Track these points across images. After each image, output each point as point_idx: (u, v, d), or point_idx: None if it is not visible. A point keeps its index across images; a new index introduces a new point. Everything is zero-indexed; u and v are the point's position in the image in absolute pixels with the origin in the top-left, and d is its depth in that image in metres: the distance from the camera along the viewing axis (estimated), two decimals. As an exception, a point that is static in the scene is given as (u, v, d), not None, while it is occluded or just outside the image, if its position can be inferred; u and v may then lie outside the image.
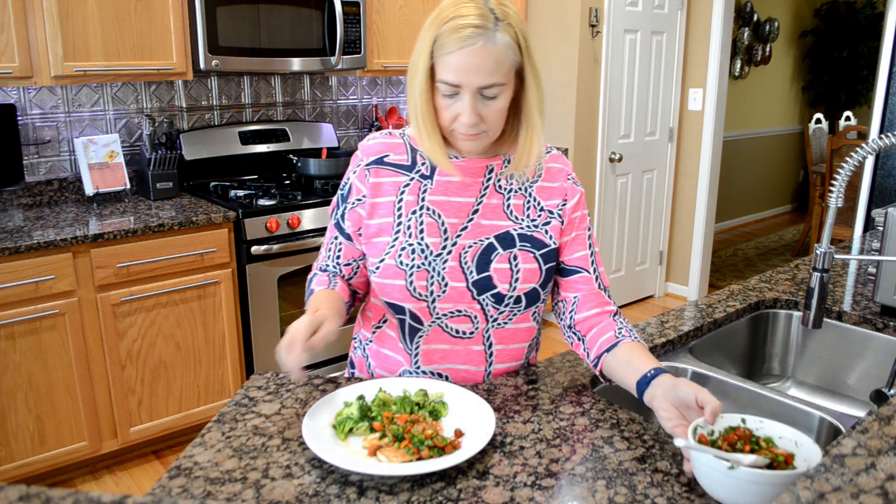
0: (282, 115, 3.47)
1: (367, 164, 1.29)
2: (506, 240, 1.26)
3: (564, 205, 1.29)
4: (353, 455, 1.03)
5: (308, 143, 3.42)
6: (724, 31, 4.16)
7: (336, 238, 1.33)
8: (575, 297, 1.28)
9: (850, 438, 0.70)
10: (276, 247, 2.78)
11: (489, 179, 1.28)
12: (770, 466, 0.90)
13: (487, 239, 1.25)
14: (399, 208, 1.27)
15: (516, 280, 1.24)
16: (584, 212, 1.33)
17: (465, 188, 1.27)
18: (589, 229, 1.33)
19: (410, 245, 1.24)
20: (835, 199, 1.19)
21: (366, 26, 3.19)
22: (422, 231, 1.25)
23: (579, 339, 1.27)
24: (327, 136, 3.50)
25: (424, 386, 1.20)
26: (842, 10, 6.75)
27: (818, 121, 5.85)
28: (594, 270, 1.30)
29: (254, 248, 2.74)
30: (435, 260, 1.24)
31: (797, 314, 1.67)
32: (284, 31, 2.94)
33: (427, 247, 1.24)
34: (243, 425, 1.07)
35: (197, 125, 3.21)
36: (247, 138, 3.24)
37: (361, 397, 1.15)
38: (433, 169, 1.27)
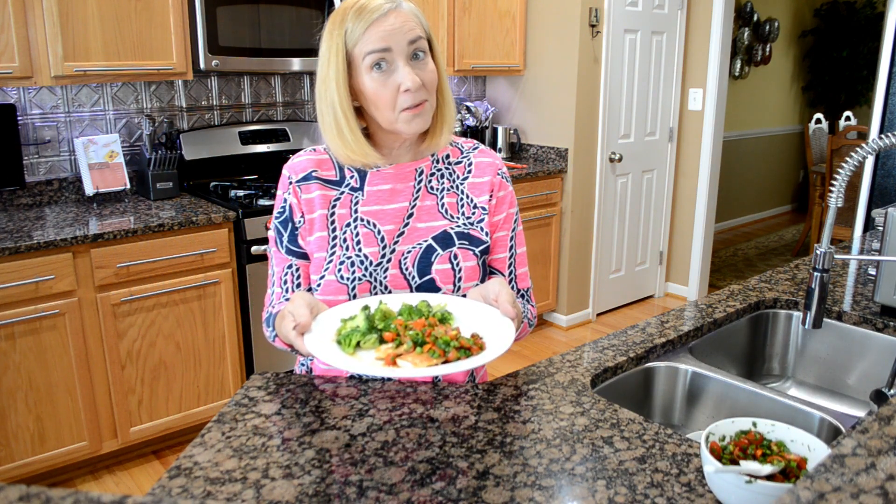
0: (282, 115, 3.47)
1: (297, 182, 1.27)
2: (444, 239, 1.26)
3: (491, 200, 1.30)
4: (373, 366, 0.99)
5: (308, 143, 3.41)
6: (724, 31, 4.16)
7: (290, 266, 1.28)
8: None
9: (850, 438, 0.70)
10: (276, 247, 2.78)
11: (420, 182, 1.28)
12: (783, 472, 0.89)
13: (426, 241, 1.25)
14: (332, 222, 1.26)
15: (459, 279, 1.24)
16: (511, 211, 1.32)
17: (396, 194, 1.27)
18: (514, 229, 1.33)
19: (349, 258, 1.24)
20: (835, 199, 1.19)
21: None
22: (358, 242, 1.24)
23: None
24: (327, 136, 3.50)
25: (425, 298, 1.16)
26: (842, 10, 6.75)
27: (818, 121, 5.85)
28: (510, 273, 1.32)
29: (254, 248, 2.74)
30: (375, 270, 1.23)
31: (797, 314, 1.67)
32: (284, 31, 2.94)
33: (366, 257, 1.24)
34: (243, 425, 1.07)
35: (197, 125, 3.21)
36: (247, 138, 3.24)
37: (366, 307, 1.09)
38: (363, 181, 1.27)
